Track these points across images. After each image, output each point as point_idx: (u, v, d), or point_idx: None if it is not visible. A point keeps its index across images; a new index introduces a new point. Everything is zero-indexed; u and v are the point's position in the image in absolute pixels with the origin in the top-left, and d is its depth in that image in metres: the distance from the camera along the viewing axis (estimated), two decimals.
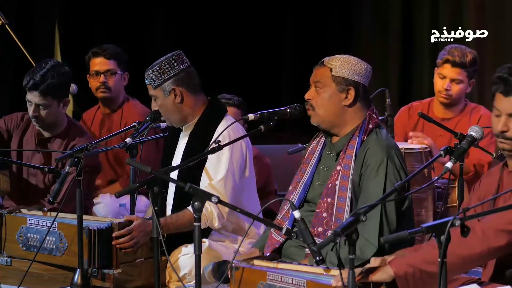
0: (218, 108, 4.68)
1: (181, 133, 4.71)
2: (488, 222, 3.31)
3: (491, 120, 5.46)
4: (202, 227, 4.44)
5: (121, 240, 4.30)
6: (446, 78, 5.59)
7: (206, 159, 4.47)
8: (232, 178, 4.47)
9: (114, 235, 4.30)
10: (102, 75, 5.97)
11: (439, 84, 5.63)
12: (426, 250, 3.31)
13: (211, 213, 4.44)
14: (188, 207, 4.35)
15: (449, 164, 3.51)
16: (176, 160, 4.65)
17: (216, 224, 4.45)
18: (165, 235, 4.35)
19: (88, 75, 6.05)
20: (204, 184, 4.45)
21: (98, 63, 6.00)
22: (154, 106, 4.61)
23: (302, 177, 4.04)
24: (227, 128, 4.39)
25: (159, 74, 4.53)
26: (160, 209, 4.52)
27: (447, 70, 5.58)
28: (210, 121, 4.55)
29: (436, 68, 5.69)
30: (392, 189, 3.42)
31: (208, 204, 4.38)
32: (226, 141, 4.30)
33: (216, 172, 4.46)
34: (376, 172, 3.81)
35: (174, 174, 4.56)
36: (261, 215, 3.61)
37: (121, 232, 4.31)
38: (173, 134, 4.77)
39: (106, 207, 5.69)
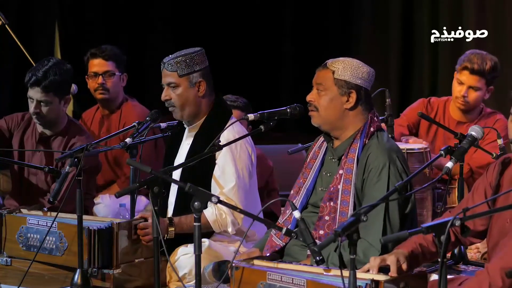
0: (224, 110, 4.68)
1: (186, 133, 4.70)
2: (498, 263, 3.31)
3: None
4: (217, 231, 4.46)
5: (142, 231, 4.35)
6: (464, 85, 5.56)
7: (213, 164, 4.49)
8: (243, 184, 4.48)
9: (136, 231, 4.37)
10: (100, 77, 5.95)
11: (456, 89, 5.61)
12: None
13: (225, 220, 4.45)
14: (203, 210, 4.39)
15: (449, 164, 3.50)
16: (179, 160, 4.64)
17: (230, 229, 4.46)
18: (166, 236, 4.35)
19: (86, 76, 6.04)
20: (216, 193, 4.46)
21: (97, 64, 5.99)
22: (166, 96, 4.57)
23: (305, 182, 4.03)
24: (232, 131, 4.42)
25: (190, 64, 4.53)
26: (161, 209, 4.54)
27: (465, 77, 5.55)
28: (216, 123, 4.53)
29: (455, 72, 5.66)
30: (393, 189, 3.42)
31: (222, 210, 4.40)
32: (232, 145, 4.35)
33: (227, 180, 4.47)
34: (379, 177, 3.80)
35: (177, 174, 4.57)
36: (261, 216, 3.61)
37: (142, 226, 4.36)
38: (177, 134, 4.76)
39: (106, 208, 5.69)
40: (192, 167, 4.24)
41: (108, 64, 5.96)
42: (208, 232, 4.51)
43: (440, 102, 5.78)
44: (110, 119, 6.05)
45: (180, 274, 4.35)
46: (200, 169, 4.45)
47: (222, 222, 4.44)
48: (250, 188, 4.58)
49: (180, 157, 4.65)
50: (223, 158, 4.48)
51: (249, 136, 4.57)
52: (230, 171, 4.47)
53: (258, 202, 4.69)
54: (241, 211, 3.67)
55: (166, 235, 4.35)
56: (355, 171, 3.84)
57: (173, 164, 4.58)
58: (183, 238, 4.38)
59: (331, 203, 3.85)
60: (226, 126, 4.39)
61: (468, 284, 3.36)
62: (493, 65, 5.55)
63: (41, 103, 5.00)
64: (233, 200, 4.41)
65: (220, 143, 4.04)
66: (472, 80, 5.54)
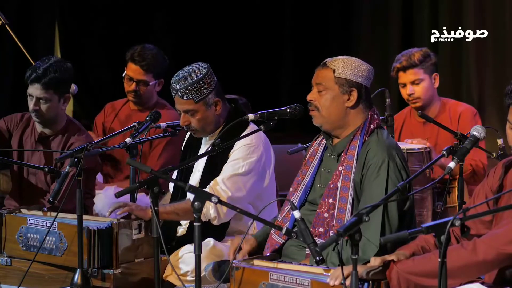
0: (240, 116, 4.68)
1: (204, 140, 4.72)
2: (491, 242, 3.30)
3: (471, 117, 5.52)
4: (202, 219, 4.47)
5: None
6: (407, 85, 5.60)
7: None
8: (242, 180, 4.48)
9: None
10: (134, 83, 5.89)
11: (403, 93, 5.65)
12: (424, 261, 3.31)
13: (207, 208, 4.44)
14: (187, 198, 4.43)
15: (452, 164, 3.50)
16: (198, 166, 4.67)
17: (211, 213, 4.45)
18: (175, 236, 4.35)
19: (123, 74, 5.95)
20: (217, 179, 4.49)
21: (134, 70, 5.86)
22: (186, 121, 4.56)
23: (303, 179, 4.03)
24: (248, 132, 4.44)
25: (204, 88, 4.51)
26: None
27: (403, 78, 5.59)
28: (233, 130, 4.51)
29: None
30: (395, 189, 3.42)
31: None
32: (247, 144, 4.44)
33: (225, 170, 4.49)
34: (378, 173, 3.80)
35: (196, 178, 4.62)
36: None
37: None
38: (195, 140, 4.77)
39: (106, 199, 5.63)
40: (213, 167, 4.35)
41: (145, 74, 5.87)
42: (215, 233, 4.51)
43: (401, 114, 5.83)
44: (141, 115, 5.88)
45: (183, 271, 4.37)
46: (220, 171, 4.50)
47: (205, 211, 4.44)
48: (267, 195, 4.59)
49: (199, 164, 4.65)
50: (234, 154, 4.53)
51: (268, 141, 4.61)
52: (233, 164, 4.48)
53: (275, 209, 4.68)
54: (241, 211, 3.66)
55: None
56: (355, 167, 3.84)
57: (192, 170, 4.65)
58: (189, 238, 4.37)
59: (330, 200, 3.85)
60: (227, 124, 4.34)
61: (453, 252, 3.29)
62: (422, 53, 5.58)
63: (41, 100, 5.00)
64: (221, 190, 4.42)
65: (220, 144, 4.05)
66: (409, 75, 5.57)
